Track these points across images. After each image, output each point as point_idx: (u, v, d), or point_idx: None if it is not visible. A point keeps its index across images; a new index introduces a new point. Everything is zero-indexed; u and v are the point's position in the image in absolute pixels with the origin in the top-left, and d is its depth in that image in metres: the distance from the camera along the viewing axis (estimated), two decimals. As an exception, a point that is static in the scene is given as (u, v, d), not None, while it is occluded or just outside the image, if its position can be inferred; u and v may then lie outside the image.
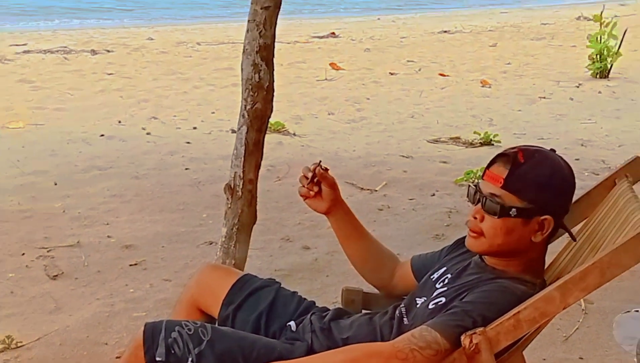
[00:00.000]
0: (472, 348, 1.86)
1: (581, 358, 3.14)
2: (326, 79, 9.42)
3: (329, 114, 7.60)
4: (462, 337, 1.87)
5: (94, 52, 11.59)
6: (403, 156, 5.98)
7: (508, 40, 13.24)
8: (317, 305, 2.36)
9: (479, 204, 2.04)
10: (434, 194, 5.04)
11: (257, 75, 3.33)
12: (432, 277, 2.19)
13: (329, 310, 2.30)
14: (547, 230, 2.03)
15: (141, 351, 1.98)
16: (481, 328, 1.87)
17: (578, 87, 9.10)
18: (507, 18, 17.19)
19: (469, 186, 2.12)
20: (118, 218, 4.50)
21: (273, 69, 3.40)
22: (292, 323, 2.25)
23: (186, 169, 5.52)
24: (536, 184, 2.01)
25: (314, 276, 3.80)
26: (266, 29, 3.26)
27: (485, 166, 2.09)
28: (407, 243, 4.24)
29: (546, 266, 2.19)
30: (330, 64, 10.25)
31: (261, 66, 3.33)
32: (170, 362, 1.99)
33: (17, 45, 12.02)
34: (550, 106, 8.15)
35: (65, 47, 12.00)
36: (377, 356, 1.87)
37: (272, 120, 6.95)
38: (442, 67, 10.37)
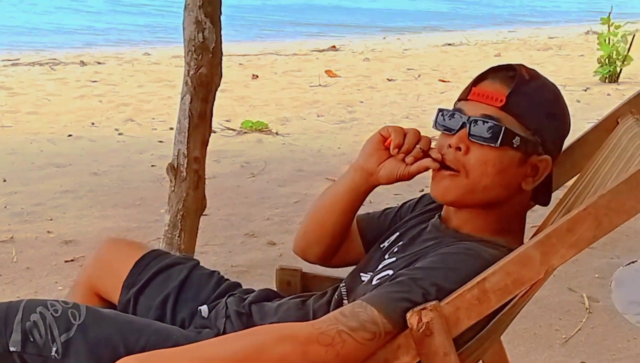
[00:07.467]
0: (421, 329, 1.36)
1: (583, 363, 2.65)
2: (320, 85, 8.95)
3: (318, 116, 7.12)
4: (409, 315, 1.37)
5: (82, 63, 11.19)
6: (392, 153, 5.49)
7: (514, 51, 12.78)
8: (243, 287, 1.87)
9: (463, 130, 1.49)
10: (422, 190, 4.53)
11: (200, 34, 2.86)
12: (382, 246, 1.68)
13: (254, 291, 1.81)
14: (541, 175, 1.51)
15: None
16: (434, 302, 1.36)
17: (586, 90, 8.61)
18: (515, 35, 16.75)
19: (440, 111, 1.56)
20: (65, 214, 4.05)
21: (220, 28, 2.93)
22: (204, 307, 1.74)
23: (152, 166, 5.05)
24: (543, 110, 1.49)
25: (277, 273, 3.30)
26: (210, -20, 2.80)
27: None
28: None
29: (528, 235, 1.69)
30: (325, 72, 9.80)
31: (205, 23, 2.86)
32: (28, 352, 1.51)
33: (8, 60, 11.63)
34: (556, 108, 7.66)
35: (55, 59, 11.62)
36: (290, 341, 1.37)
37: (253, 120, 6.63)
38: (443, 75, 9.90)
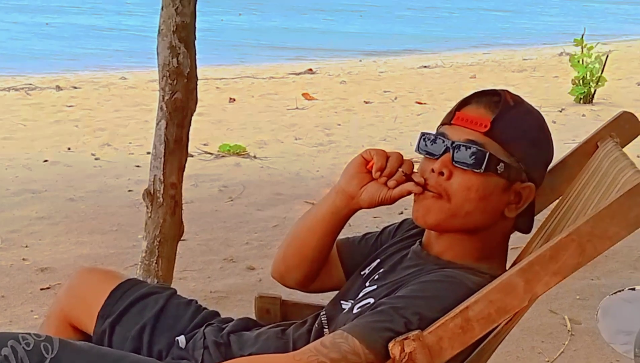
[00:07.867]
0: (404, 359, 1.34)
1: (566, 387, 2.64)
2: (297, 108, 8.95)
3: (295, 139, 7.11)
4: (391, 345, 1.34)
5: (58, 88, 11.11)
6: (370, 176, 5.49)
7: (489, 73, 12.87)
8: (221, 316, 1.83)
9: (446, 155, 1.47)
10: (402, 213, 4.52)
11: (175, 59, 2.83)
12: (362, 273, 1.66)
13: (232, 320, 1.78)
14: (524, 202, 1.50)
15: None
16: (416, 332, 1.34)
17: (561, 111, 8.67)
18: (489, 57, 16.87)
19: (423, 134, 1.53)
20: (40, 241, 4.00)
21: (195, 53, 2.90)
22: (181, 338, 1.71)
23: (129, 191, 5.01)
24: (528, 137, 1.49)
25: (256, 298, 3.27)
26: (184, 5, 2.77)
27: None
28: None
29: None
30: (302, 94, 9.80)
31: (179, 48, 2.83)
32: (0, 388, 1.46)
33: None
34: (532, 130, 7.70)
35: (30, 84, 11.54)
36: (270, 373, 1.35)
37: (231, 143, 6.61)
38: (419, 97, 9.94)
